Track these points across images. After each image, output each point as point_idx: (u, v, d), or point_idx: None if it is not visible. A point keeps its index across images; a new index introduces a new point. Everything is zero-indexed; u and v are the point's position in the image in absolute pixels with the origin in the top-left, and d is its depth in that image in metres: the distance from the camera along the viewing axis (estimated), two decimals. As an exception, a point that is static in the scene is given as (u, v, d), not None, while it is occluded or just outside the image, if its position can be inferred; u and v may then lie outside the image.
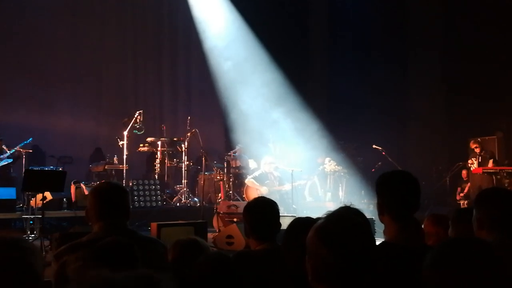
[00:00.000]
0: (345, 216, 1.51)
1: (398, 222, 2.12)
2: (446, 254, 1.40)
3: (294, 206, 8.73)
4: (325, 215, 1.51)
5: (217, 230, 7.24)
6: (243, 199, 9.39)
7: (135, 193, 9.16)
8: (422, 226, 3.07)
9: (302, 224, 2.14)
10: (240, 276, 2.31)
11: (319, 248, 1.40)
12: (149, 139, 10.12)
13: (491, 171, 9.88)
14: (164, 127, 10.84)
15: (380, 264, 1.98)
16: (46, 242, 6.40)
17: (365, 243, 1.42)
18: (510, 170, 9.61)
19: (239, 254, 2.57)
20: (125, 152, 9.35)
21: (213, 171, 10.23)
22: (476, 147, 10.04)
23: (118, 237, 2.27)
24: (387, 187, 2.19)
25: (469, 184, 10.47)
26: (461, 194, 10.65)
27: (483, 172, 9.92)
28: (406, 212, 2.13)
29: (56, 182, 6.77)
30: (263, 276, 2.35)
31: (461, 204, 10.27)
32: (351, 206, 1.62)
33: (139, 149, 10.16)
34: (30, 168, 8.36)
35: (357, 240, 1.40)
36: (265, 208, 2.66)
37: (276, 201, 8.17)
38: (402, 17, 12.45)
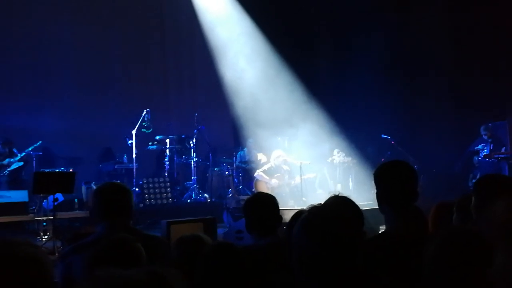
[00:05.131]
0: (327, 206, 1.51)
1: (396, 212, 2.12)
2: (445, 248, 1.39)
3: (304, 198, 8.74)
4: (309, 207, 1.51)
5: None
6: (253, 193, 9.41)
7: (146, 191, 9.23)
8: (430, 214, 3.06)
9: None
10: (244, 270, 2.31)
11: (302, 239, 1.39)
12: (157, 137, 10.16)
13: (503, 156, 9.79)
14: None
15: (380, 254, 1.98)
16: (59, 244, 6.49)
17: (348, 232, 1.40)
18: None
19: (243, 249, 2.58)
20: (134, 151, 9.42)
21: (223, 166, 10.27)
22: (485, 134, 9.94)
23: (123, 234, 2.28)
24: (384, 177, 2.18)
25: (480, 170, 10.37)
26: (473, 181, 10.55)
27: (495, 158, 9.83)
28: (404, 201, 2.12)
29: (66, 183, 6.85)
30: (266, 269, 2.35)
31: (473, 190, 10.18)
32: (340, 194, 1.61)
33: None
34: (40, 170, 8.45)
35: (338, 229, 1.38)
36: (264, 203, 2.66)
37: (286, 195, 8.17)
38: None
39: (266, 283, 2.20)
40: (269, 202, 2.67)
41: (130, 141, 9.49)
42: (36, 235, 7.38)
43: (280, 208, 2.78)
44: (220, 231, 7.00)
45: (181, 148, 10.34)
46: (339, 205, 1.49)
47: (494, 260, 1.18)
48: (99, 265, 2.01)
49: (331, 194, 1.53)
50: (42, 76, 10.86)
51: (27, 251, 1.34)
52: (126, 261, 1.99)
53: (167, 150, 10.24)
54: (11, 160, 8.90)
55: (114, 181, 8.22)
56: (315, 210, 1.46)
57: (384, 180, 2.17)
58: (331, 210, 1.45)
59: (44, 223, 7.57)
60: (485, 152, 10.06)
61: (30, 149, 8.95)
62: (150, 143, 10.13)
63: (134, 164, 9.45)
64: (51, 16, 10.86)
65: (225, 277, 2.12)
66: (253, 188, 9.49)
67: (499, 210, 1.18)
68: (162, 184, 9.44)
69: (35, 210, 8.01)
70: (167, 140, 10.21)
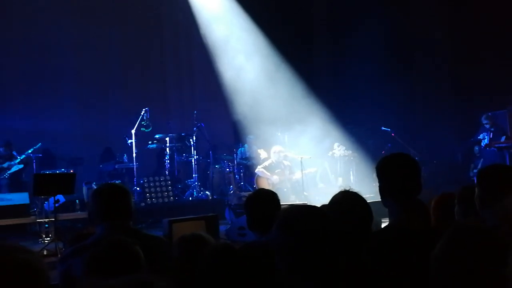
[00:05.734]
0: (303, 204, 1.50)
1: (399, 205, 2.10)
2: (452, 247, 1.36)
3: (305, 193, 8.72)
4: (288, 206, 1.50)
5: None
6: (254, 189, 9.38)
7: (147, 190, 9.20)
8: (431, 207, 3.03)
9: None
10: (247, 267, 2.29)
11: (283, 238, 1.38)
12: (157, 135, 10.14)
13: (503, 145, 9.75)
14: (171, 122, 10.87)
15: (384, 247, 1.96)
16: (61, 245, 6.46)
17: (324, 227, 1.38)
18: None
19: (244, 246, 2.56)
20: (134, 150, 9.40)
21: (223, 163, 10.25)
22: (487, 122, 9.90)
23: (120, 236, 2.26)
24: (387, 171, 2.16)
25: (482, 160, 10.33)
26: (474, 171, 10.51)
27: (496, 147, 9.80)
28: (407, 194, 2.11)
29: (67, 185, 6.82)
30: (268, 266, 2.33)
31: (475, 181, 10.13)
32: (350, 189, 1.59)
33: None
34: (41, 172, 8.42)
35: (314, 224, 1.37)
36: (265, 200, 2.64)
37: (287, 190, 8.11)
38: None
39: (267, 282, 2.17)
40: (270, 198, 2.65)
41: (129, 141, 9.47)
42: (38, 237, 7.36)
43: (281, 204, 2.76)
44: (223, 228, 6.97)
45: (181, 146, 10.31)
46: (351, 198, 1.47)
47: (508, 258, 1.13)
48: (97, 268, 1.99)
49: (341, 189, 1.51)
50: (41, 77, 10.84)
51: (20, 257, 1.30)
52: (124, 264, 1.96)
53: (167, 149, 10.22)
54: (11, 163, 8.88)
55: (115, 181, 8.19)
56: (291, 208, 1.45)
57: (387, 174, 2.15)
58: (306, 206, 1.44)
59: (46, 225, 7.53)
60: (485, 141, 10.03)
61: (29, 151, 8.93)
62: (150, 142, 10.10)
63: (134, 163, 9.43)
64: (51, 18, 10.83)
65: (226, 278, 2.09)
66: (254, 185, 9.48)
67: (511, 205, 1.14)
68: (163, 183, 9.41)
69: (37, 212, 7.99)
70: (167, 139, 10.18)
